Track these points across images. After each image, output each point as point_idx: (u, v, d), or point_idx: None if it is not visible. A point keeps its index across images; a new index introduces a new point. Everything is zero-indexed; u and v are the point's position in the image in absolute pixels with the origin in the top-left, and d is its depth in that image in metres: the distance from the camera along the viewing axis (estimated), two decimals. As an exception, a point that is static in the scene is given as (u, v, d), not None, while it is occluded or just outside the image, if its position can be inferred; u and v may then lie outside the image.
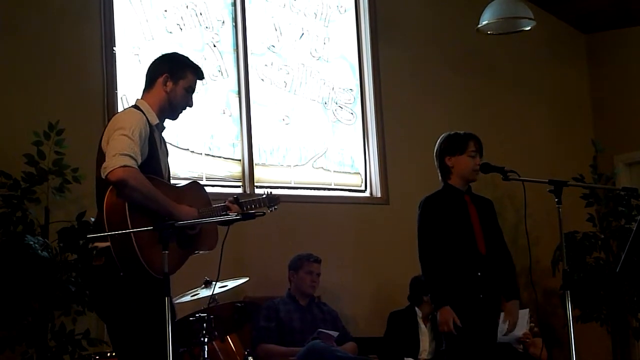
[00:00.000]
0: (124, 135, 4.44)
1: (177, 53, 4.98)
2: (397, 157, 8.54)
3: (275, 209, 5.28)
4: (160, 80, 4.74)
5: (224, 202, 4.86)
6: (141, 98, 4.77)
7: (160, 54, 4.95)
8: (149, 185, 4.42)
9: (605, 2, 9.26)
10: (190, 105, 4.82)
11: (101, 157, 4.51)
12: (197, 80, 4.85)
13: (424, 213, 5.68)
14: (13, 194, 6.54)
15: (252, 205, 5.07)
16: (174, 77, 4.74)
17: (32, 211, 6.60)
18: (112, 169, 4.35)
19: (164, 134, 4.84)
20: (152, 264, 4.35)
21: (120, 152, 4.38)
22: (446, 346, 5.62)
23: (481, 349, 5.56)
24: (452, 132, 5.77)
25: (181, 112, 4.83)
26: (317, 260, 7.28)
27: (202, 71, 4.87)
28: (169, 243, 4.19)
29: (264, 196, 5.25)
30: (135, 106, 4.72)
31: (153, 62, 4.85)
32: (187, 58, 4.89)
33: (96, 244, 4.53)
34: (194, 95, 4.84)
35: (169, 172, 4.83)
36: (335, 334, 7.03)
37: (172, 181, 4.97)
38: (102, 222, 4.42)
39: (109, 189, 4.41)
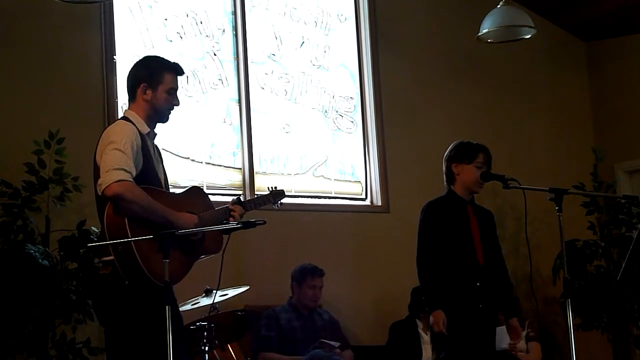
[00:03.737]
0: (116, 149, 4.43)
1: (149, 57, 4.95)
2: (397, 166, 8.54)
3: (280, 204, 5.25)
4: (139, 90, 4.71)
5: (227, 205, 4.85)
6: (128, 108, 4.77)
7: (135, 62, 4.92)
8: (146, 197, 4.41)
9: (605, 10, 9.27)
10: (177, 105, 4.78)
11: (97, 171, 4.51)
12: (178, 77, 4.82)
13: (426, 218, 5.70)
14: (14, 202, 6.54)
15: (256, 204, 5.04)
16: (152, 84, 4.69)
17: (33, 220, 6.60)
18: (107, 184, 4.35)
19: (156, 140, 4.84)
20: (156, 273, 4.34)
21: (114, 167, 4.37)
22: (445, 354, 5.63)
23: (480, 357, 5.57)
24: (465, 141, 5.77)
25: (169, 113, 4.80)
26: (322, 274, 7.25)
27: (180, 67, 4.81)
28: (169, 252, 4.19)
29: (269, 193, 5.22)
30: (125, 117, 4.71)
31: (129, 71, 4.81)
32: (161, 59, 4.83)
33: (103, 259, 4.54)
34: (178, 94, 4.82)
35: (166, 179, 4.82)
36: (337, 344, 7.01)
37: (173, 190, 4.96)
38: (105, 237, 4.42)
39: (108, 204, 4.41)
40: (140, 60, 4.88)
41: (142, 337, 4.44)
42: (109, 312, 4.57)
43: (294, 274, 7.28)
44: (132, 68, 4.83)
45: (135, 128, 4.59)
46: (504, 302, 5.72)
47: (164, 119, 4.80)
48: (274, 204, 5.21)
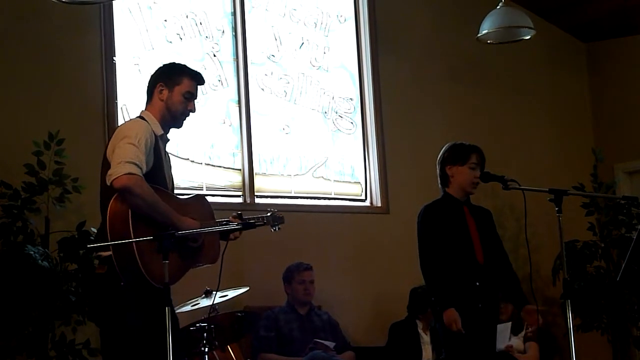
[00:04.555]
0: (130, 143, 4.46)
1: (174, 62, 4.98)
2: (397, 167, 8.54)
3: (278, 228, 5.30)
4: (157, 90, 4.75)
5: (227, 218, 4.88)
6: (145, 109, 4.79)
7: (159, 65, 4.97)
8: (153, 194, 4.44)
9: (605, 11, 9.27)
10: (193, 111, 4.82)
11: (106, 166, 4.52)
12: (197, 86, 4.85)
13: (424, 221, 5.71)
14: (13, 204, 6.54)
15: (256, 221, 5.07)
16: (169, 84, 4.75)
17: (33, 221, 6.60)
18: (117, 176, 4.37)
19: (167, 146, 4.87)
20: (152, 273, 4.35)
21: (126, 160, 4.40)
22: (446, 355, 5.63)
23: (480, 357, 5.57)
24: (458, 142, 5.79)
25: (184, 119, 4.83)
26: (308, 268, 7.28)
27: (201, 76, 4.87)
28: (169, 253, 4.19)
29: (269, 215, 5.26)
30: (140, 117, 4.74)
31: (152, 74, 4.87)
32: (183, 65, 4.89)
33: (100, 253, 4.54)
34: (195, 102, 4.85)
35: (172, 183, 4.85)
36: (331, 344, 7.02)
37: (174, 192, 4.97)
38: (106, 230, 4.43)
39: (114, 197, 4.42)
40: (164, 64, 4.94)
41: (137, 338, 4.45)
42: (105, 312, 4.58)
43: (283, 276, 7.33)
44: (154, 71, 4.88)
45: (150, 127, 4.62)
46: (513, 292, 5.72)
47: (178, 123, 4.83)
48: (272, 226, 5.26)
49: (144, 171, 4.46)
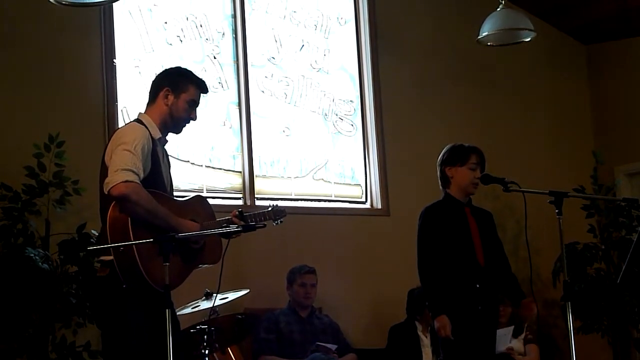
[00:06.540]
0: (127, 150, 4.46)
1: (180, 67, 4.99)
2: (397, 169, 8.54)
3: (281, 222, 5.30)
4: (162, 94, 4.75)
5: (228, 217, 4.87)
6: (144, 112, 4.79)
7: (164, 68, 4.97)
8: (152, 200, 4.43)
9: (606, 13, 9.27)
10: (194, 119, 4.83)
11: (105, 171, 4.52)
12: (201, 94, 4.86)
13: (425, 223, 5.70)
14: (13, 206, 6.54)
15: (257, 219, 5.07)
16: (176, 90, 4.75)
17: (33, 223, 6.60)
18: (114, 184, 4.37)
19: (166, 147, 4.86)
20: (154, 276, 4.35)
21: (123, 167, 4.40)
22: (444, 356, 5.63)
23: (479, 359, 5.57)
24: (457, 144, 5.79)
25: (184, 125, 4.85)
26: (310, 271, 7.28)
27: (205, 85, 4.89)
28: (169, 255, 4.19)
29: (269, 209, 5.25)
30: (138, 120, 4.73)
31: (156, 76, 4.88)
32: (190, 72, 4.90)
33: (102, 258, 4.55)
34: (197, 109, 4.86)
35: (171, 185, 4.86)
36: (333, 347, 7.02)
37: (173, 193, 4.97)
38: (106, 235, 4.43)
39: (112, 204, 4.42)
40: (169, 68, 4.95)
41: (139, 340, 4.45)
42: (107, 314, 4.58)
43: (287, 277, 7.32)
44: (159, 73, 4.91)
45: (147, 131, 4.62)
46: (510, 288, 5.72)
47: (178, 129, 4.84)
48: (274, 221, 5.26)
49: (142, 177, 4.46)
